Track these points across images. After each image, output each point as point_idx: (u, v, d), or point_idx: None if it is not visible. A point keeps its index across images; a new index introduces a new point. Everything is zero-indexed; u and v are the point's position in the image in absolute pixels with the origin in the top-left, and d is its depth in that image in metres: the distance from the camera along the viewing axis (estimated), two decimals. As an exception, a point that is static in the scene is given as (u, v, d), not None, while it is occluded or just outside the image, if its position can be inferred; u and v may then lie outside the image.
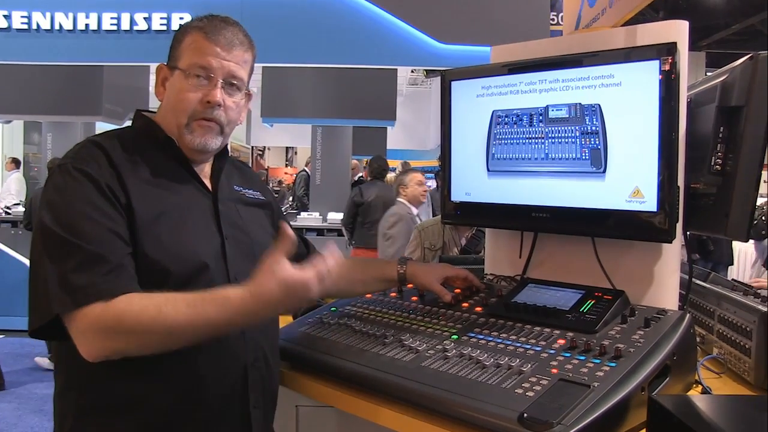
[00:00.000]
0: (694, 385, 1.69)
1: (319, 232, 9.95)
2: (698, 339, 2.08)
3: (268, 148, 27.59)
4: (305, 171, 13.23)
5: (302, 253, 2.02)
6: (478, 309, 1.87)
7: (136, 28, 7.30)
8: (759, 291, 2.06)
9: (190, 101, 1.63)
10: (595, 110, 1.82)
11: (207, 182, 1.74)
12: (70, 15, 7.45)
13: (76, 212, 1.46)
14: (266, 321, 1.73)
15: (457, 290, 2.00)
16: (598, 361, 1.47)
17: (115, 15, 7.35)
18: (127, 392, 1.52)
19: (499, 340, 1.66)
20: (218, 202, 1.71)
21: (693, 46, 16.99)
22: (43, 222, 1.46)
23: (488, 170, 2.07)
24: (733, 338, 1.88)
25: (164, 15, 7.25)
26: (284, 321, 1.98)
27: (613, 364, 1.44)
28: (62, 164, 1.54)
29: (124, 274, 1.45)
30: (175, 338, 1.43)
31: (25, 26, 7.57)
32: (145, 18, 7.28)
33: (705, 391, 1.68)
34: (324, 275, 1.46)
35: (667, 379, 1.50)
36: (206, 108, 1.64)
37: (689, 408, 1.32)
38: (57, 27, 7.48)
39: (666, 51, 1.69)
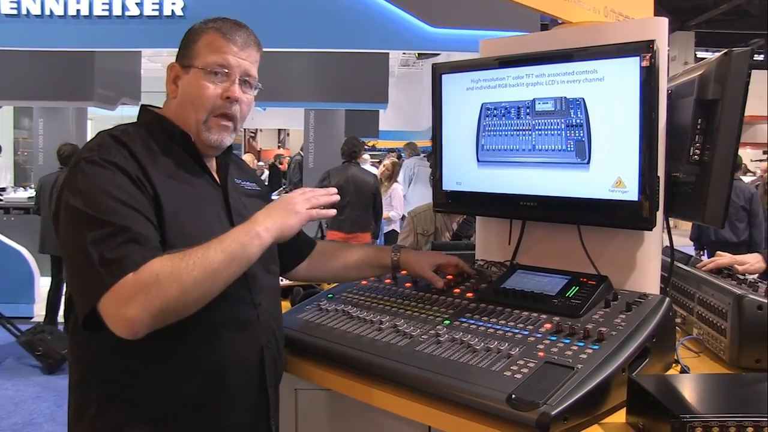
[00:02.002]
0: (674, 365, 1.79)
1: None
2: (679, 320, 2.18)
3: (260, 130, 27.56)
4: (300, 155, 13.17)
5: (292, 238, 2.11)
6: (469, 295, 1.96)
7: (127, 13, 7.29)
8: (737, 274, 2.16)
9: (210, 97, 1.71)
10: (580, 104, 1.90)
11: (215, 176, 1.82)
12: (61, 0, 7.44)
13: (109, 197, 1.50)
14: (274, 305, 1.84)
15: (449, 276, 2.09)
16: (582, 344, 1.57)
17: (106, 0, 7.34)
18: (151, 380, 1.59)
19: (489, 325, 1.75)
20: (228, 194, 1.79)
21: (682, 26, 17.08)
22: (76, 210, 1.50)
23: (478, 160, 2.15)
24: (710, 319, 1.97)
25: (156, 0, 7.25)
26: (284, 308, 2.06)
27: (596, 347, 1.54)
28: (88, 157, 1.58)
29: (157, 251, 1.50)
30: (207, 267, 1.47)
31: (15, 12, 7.54)
32: (137, 3, 7.28)
33: (683, 371, 1.77)
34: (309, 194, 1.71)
35: (647, 360, 1.59)
36: (225, 103, 1.72)
37: (665, 387, 1.42)
38: (47, 12, 7.46)
39: (645, 48, 1.78)
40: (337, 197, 1.76)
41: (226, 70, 1.72)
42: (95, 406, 1.61)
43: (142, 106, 1.84)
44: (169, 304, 1.44)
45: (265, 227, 1.60)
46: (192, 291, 1.46)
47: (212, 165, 1.82)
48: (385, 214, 8.26)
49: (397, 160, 10.51)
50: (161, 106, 1.85)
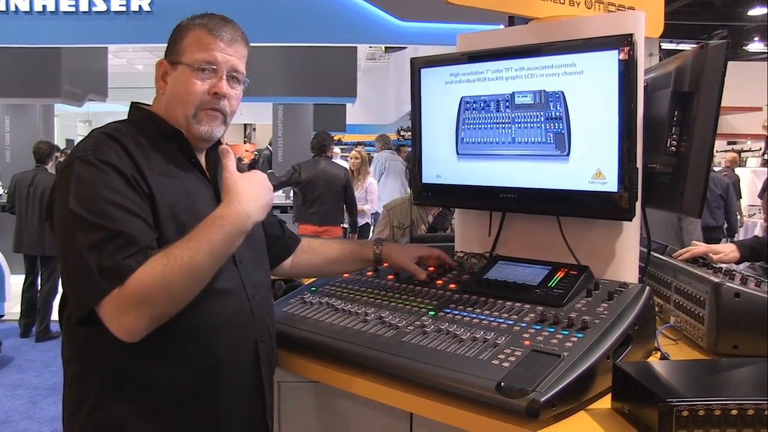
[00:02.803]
0: (654, 352, 1.83)
1: (283, 209, 9.97)
2: (657, 309, 2.22)
3: (227, 125, 27.34)
4: (268, 150, 13.10)
5: (278, 235, 2.12)
6: (452, 286, 1.99)
7: (94, 9, 7.19)
8: (711, 263, 2.21)
9: (197, 92, 1.71)
10: (559, 97, 1.93)
11: (205, 171, 1.82)
12: (27, -4, 7.32)
13: (106, 201, 1.52)
14: (267, 299, 1.86)
15: (431, 268, 2.12)
16: (566, 332, 1.60)
17: (73, -4, 7.25)
18: (148, 374, 1.59)
19: (474, 315, 1.77)
20: (219, 190, 1.78)
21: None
22: (73, 213, 1.51)
23: (458, 153, 2.18)
24: (688, 307, 2.02)
25: (123, -5, 7.18)
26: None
27: (581, 335, 1.57)
28: (83, 156, 1.58)
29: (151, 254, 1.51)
30: (194, 274, 1.51)
31: (-21, 8, 7.42)
32: (104, -1, 7.20)
33: (663, 357, 1.81)
34: None
35: (630, 347, 1.63)
36: (213, 98, 1.73)
37: (649, 373, 1.45)
38: (12, 8, 7.34)
39: (624, 41, 1.81)
40: None
41: (214, 67, 1.72)
42: (93, 399, 1.61)
43: (133, 103, 1.84)
44: (162, 311, 1.50)
45: (254, 220, 1.63)
46: (181, 297, 1.52)
47: (202, 160, 1.82)
48: (359, 207, 8.26)
49: (362, 150, 10.50)
50: (142, 102, 1.85)
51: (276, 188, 7.87)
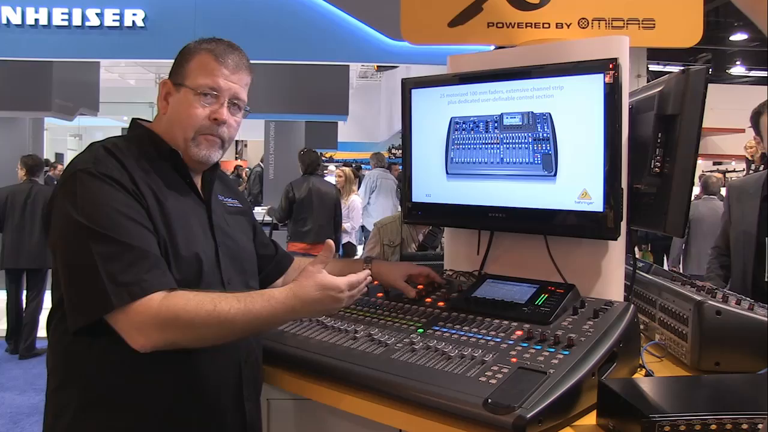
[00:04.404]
0: (639, 369, 1.86)
1: (274, 226, 9.98)
2: (642, 326, 2.26)
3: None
4: (260, 167, 13.12)
5: (271, 254, 2.14)
6: (441, 304, 2.02)
7: (88, 23, 7.22)
8: (695, 281, 2.25)
9: (198, 117, 1.74)
10: (546, 118, 1.97)
11: (200, 192, 1.84)
12: (18, 9, 7.33)
13: (115, 212, 1.55)
14: None
15: (420, 286, 2.14)
16: (552, 350, 1.63)
17: (66, 10, 7.26)
18: (129, 389, 1.61)
19: (462, 333, 1.80)
20: (212, 211, 1.82)
21: (635, 39, 17.48)
22: (81, 224, 1.53)
23: (447, 173, 2.22)
24: (672, 325, 2.05)
25: (117, 11, 7.18)
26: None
27: (567, 353, 1.60)
28: (85, 169, 1.61)
29: (166, 268, 1.57)
30: (227, 331, 1.56)
31: (-29, 21, 7.43)
32: (97, 14, 7.22)
33: (648, 374, 1.85)
34: (355, 285, 1.67)
35: (615, 364, 1.66)
36: (212, 124, 1.76)
37: (634, 389, 1.49)
38: (4, 21, 7.36)
39: (609, 65, 1.86)
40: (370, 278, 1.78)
41: (216, 93, 1.75)
42: (72, 412, 1.63)
43: (133, 119, 1.87)
44: (180, 344, 1.56)
45: (297, 318, 1.76)
46: (205, 343, 1.61)
47: (198, 181, 1.84)
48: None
49: (346, 168, 10.53)
50: (141, 118, 1.87)
51: (283, 220, 7.91)
